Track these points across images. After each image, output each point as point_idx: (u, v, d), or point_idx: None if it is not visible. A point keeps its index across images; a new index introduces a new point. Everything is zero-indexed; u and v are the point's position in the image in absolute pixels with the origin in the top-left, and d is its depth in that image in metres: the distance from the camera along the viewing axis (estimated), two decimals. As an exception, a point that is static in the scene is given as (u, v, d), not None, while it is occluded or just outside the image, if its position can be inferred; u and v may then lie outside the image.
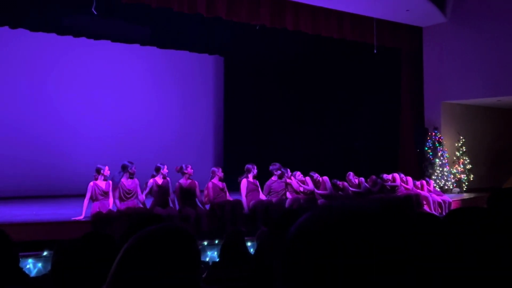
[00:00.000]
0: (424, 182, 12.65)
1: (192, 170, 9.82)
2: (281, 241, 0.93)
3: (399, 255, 0.85)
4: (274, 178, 10.80)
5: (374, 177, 12.20)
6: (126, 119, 16.19)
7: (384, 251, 0.84)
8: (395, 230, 0.87)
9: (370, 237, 0.85)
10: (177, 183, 9.67)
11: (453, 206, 11.97)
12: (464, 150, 15.23)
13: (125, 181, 9.31)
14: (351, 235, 0.86)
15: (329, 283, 0.84)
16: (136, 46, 15.45)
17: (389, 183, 12.11)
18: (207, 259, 8.35)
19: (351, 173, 12.16)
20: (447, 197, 12.50)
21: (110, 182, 9.25)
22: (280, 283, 0.91)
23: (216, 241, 8.82)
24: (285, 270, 0.90)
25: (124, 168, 9.39)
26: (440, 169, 14.70)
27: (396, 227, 0.88)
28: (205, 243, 8.75)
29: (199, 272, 1.50)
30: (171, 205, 9.63)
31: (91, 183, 9.07)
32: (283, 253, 0.91)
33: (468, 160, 15.19)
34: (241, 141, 17.32)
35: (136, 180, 9.42)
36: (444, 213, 11.18)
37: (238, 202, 9.92)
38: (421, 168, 14.86)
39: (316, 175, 11.39)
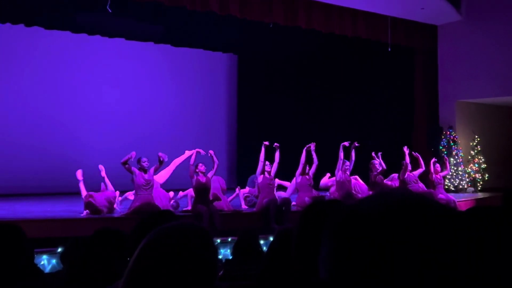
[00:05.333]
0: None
1: (204, 168, 9.89)
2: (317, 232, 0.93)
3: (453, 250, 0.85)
4: None
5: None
6: (140, 117, 16.25)
7: (439, 245, 0.84)
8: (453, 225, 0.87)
9: (429, 227, 0.85)
10: (194, 180, 9.74)
11: (468, 206, 11.87)
12: (479, 149, 15.11)
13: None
14: (411, 223, 0.85)
15: (382, 269, 0.83)
16: (150, 44, 15.50)
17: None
18: (220, 257, 8.36)
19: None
20: (451, 196, 12.33)
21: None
22: (325, 268, 0.90)
23: (229, 239, 8.82)
24: (334, 255, 0.89)
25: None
26: (455, 168, 14.61)
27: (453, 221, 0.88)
28: (218, 240, 8.76)
29: (215, 269, 1.51)
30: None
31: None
32: (331, 238, 0.91)
33: (483, 159, 15.07)
34: (255, 139, 17.31)
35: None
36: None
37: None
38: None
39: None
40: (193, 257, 1.44)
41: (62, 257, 4.32)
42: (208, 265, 1.46)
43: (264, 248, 6.70)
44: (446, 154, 14.70)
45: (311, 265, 1.83)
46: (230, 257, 5.87)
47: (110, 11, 11.10)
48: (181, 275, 1.40)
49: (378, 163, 11.78)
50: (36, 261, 4.72)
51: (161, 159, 9.38)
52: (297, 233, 1.96)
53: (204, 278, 1.44)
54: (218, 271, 1.51)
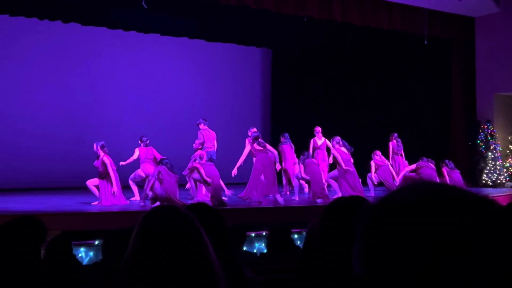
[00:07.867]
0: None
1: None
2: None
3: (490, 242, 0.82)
4: None
5: None
6: (174, 112, 16.36)
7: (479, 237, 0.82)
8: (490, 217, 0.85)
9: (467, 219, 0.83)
10: None
11: (507, 201, 11.64)
12: (518, 143, 14.82)
13: None
14: (448, 214, 0.83)
15: (416, 262, 0.81)
16: (185, 39, 15.60)
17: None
18: (255, 250, 8.40)
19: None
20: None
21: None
22: (360, 264, 0.89)
23: (264, 233, 8.85)
24: (367, 250, 0.88)
25: None
26: (493, 162, 14.34)
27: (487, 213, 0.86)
28: (253, 234, 8.79)
29: (203, 248, 1.52)
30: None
31: None
32: (364, 233, 0.90)
33: (522, 154, 14.78)
34: (289, 133, 17.28)
35: None
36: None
37: None
38: (472, 161, 14.55)
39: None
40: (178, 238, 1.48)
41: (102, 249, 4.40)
42: (195, 244, 1.49)
43: (298, 243, 6.71)
44: (483, 148, 14.45)
45: (338, 259, 1.82)
46: (265, 251, 5.90)
47: (145, 7, 11.21)
48: (169, 259, 1.43)
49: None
50: (74, 253, 4.81)
51: None
52: (320, 228, 1.97)
53: (196, 257, 1.45)
54: (207, 248, 1.52)
